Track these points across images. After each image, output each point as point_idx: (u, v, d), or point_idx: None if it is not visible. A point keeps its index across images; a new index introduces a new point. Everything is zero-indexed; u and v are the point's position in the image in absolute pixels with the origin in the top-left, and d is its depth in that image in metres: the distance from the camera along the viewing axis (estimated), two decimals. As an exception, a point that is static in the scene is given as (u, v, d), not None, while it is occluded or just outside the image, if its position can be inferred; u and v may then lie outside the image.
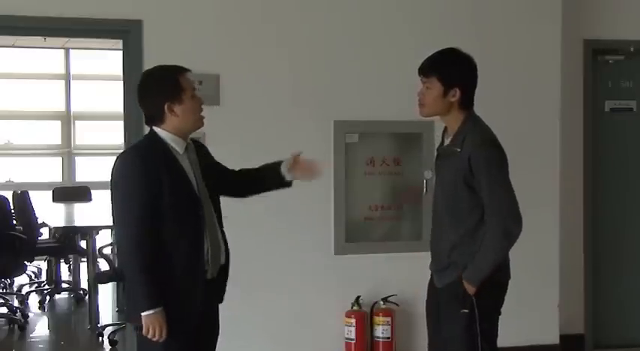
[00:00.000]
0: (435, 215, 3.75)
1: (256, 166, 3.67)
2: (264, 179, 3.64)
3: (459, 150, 3.55)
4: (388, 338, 5.38)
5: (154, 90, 3.32)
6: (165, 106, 3.27)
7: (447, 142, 3.70)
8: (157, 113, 3.29)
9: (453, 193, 3.59)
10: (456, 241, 3.59)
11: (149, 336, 3.20)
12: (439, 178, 3.76)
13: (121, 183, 3.26)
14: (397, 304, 5.42)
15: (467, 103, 3.64)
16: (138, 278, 3.19)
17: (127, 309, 3.48)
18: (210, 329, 3.46)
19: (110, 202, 3.33)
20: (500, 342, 5.62)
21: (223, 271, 3.47)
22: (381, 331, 5.37)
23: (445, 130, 3.75)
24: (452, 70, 3.66)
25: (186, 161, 3.33)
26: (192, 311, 3.28)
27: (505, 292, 3.70)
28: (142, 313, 3.19)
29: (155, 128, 3.33)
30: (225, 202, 3.59)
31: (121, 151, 5.28)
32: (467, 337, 3.56)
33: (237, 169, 3.67)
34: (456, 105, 3.61)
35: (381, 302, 5.40)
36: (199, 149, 3.49)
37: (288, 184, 3.62)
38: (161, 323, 3.19)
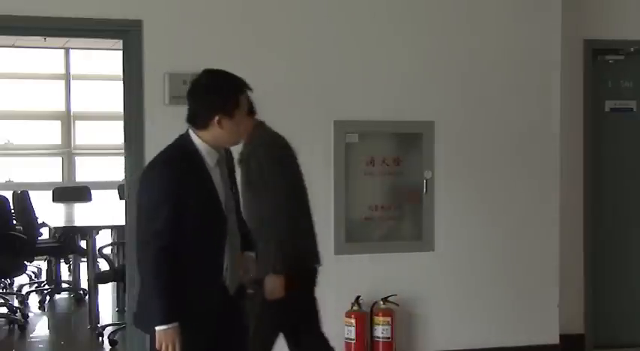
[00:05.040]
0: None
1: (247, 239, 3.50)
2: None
3: None
4: (388, 338, 5.38)
5: (211, 96, 3.21)
6: (216, 118, 3.17)
7: None
8: (204, 119, 3.18)
9: None
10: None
11: None
12: None
13: (148, 193, 3.19)
14: (397, 304, 5.41)
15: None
16: (156, 290, 3.13)
17: (138, 314, 3.41)
18: (236, 343, 3.39)
19: (137, 209, 3.27)
20: (501, 342, 5.65)
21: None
22: (381, 331, 5.37)
23: None
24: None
25: (217, 173, 3.24)
26: (208, 326, 3.22)
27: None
28: (156, 328, 3.14)
29: (191, 133, 3.22)
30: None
31: (122, 151, 5.35)
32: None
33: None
34: None
35: (381, 302, 5.40)
36: (229, 156, 3.40)
37: None
38: (174, 339, 3.13)
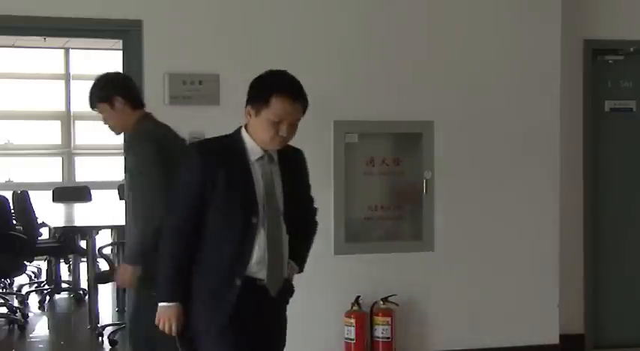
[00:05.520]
0: None
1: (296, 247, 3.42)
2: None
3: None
4: (388, 338, 5.38)
5: (254, 87, 3.23)
6: (247, 108, 3.19)
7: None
8: (245, 107, 3.22)
9: None
10: None
11: (160, 327, 3.17)
12: None
13: (179, 177, 3.24)
14: (397, 304, 5.42)
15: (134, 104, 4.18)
16: (164, 267, 3.16)
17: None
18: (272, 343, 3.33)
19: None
20: (501, 342, 5.64)
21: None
22: (380, 331, 5.37)
23: None
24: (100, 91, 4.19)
25: (257, 169, 3.18)
26: (221, 319, 3.15)
27: None
28: (159, 304, 3.17)
29: (243, 128, 3.23)
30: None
31: (122, 151, 5.34)
32: None
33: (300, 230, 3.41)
34: (128, 109, 4.14)
35: (381, 302, 5.40)
36: (291, 162, 3.35)
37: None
38: (171, 318, 3.13)
